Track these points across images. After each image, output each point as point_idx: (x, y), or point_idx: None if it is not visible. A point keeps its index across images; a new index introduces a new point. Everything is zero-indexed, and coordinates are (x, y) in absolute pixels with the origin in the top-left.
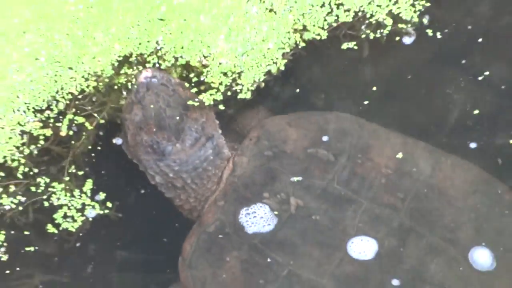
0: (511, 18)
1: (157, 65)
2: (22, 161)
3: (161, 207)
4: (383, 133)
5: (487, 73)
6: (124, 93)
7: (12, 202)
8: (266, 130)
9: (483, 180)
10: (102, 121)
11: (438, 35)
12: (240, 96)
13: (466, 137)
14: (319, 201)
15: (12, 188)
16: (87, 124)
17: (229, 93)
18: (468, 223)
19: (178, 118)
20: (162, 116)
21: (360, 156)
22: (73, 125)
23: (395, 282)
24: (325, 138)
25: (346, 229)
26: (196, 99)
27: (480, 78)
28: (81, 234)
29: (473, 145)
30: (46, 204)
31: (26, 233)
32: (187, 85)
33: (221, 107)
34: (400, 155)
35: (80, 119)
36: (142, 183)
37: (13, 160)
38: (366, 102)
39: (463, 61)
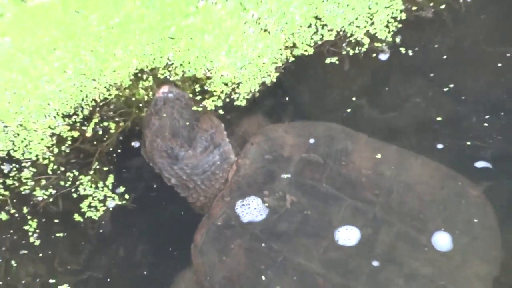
0: (471, 41)
1: (168, 77)
2: (52, 159)
3: (170, 199)
4: (363, 139)
5: (451, 85)
6: (140, 104)
7: (44, 194)
8: (266, 137)
9: (449, 177)
10: (122, 126)
11: (410, 53)
12: (236, 103)
13: (434, 139)
14: (310, 198)
15: (43, 182)
16: (111, 128)
17: (227, 100)
18: (434, 214)
19: (190, 127)
20: (176, 126)
21: (344, 159)
22: (99, 127)
23: (375, 263)
24: (315, 144)
25: (332, 221)
26: (201, 105)
27: (445, 89)
28: (103, 222)
29: (439, 146)
30: (74, 195)
31: (56, 221)
32: (191, 95)
33: (221, 111)
34: (377, 157)
35: (105, 123)
36: (154, 179)
37: (44, 158)
38: (348, 110)
39: (431, 75)
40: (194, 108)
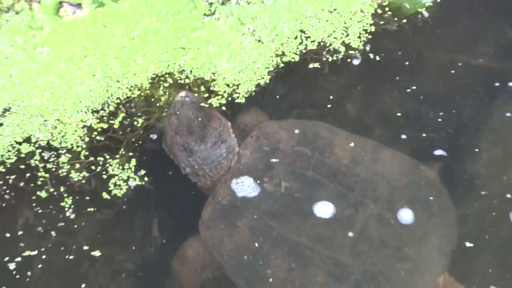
0: (429, 50)
1: (179, 81)
2: (84, 146)
3: (181, 182)
4: (343, 134)
5: (413, 87)
6: (158, 104)
7: (78, 175)
8: (264, 131)
9: (412, 165)
10: (141, 122)
11: (378, 58)
12: (236, 101)
13: (398, 132)
14: (299, 183)
15: (77, 166)
16: (137, 122)
17: (229, 98)
18: (400, 196)
19: (202, 126)
20: (191, 125)
21: (328, 151)
22: (126, 121)
23: (354, 237)
24: (305, 139)
25: (317, 203)
26: (207, 102)
27: (408, 90)
28: (125, 200)
29: (403, 136)
30: (104, 176)
31: (87, 198)
32: (201, 95)
33: (224, 108)
34: (354, 150)
35: (131, 118)
36: (169, 165)
37: (77, 146)
38: (328, 106)
39: (397, 78)
40: (202, 104)
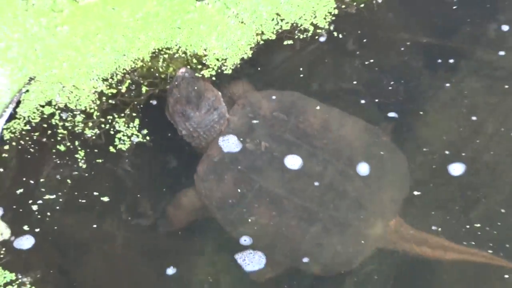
0: (383, 30)
1: (175, 56)
2: (96, 108)
3: (178, 142)
4: (314, 103)
5: (371, 60)
6: (157, 74)
7: (91, 132)
8: (248, 101)
9: (370, 129)
10: (145, 89)
11: (340, 36)
12: (225, 72)
13: (358, 99)
14: (277, 144)
15: (90, 124)
16: (142, 90)
17: (218, 70)
18: (360, 155)
19: (198, 96)
20: (189, 95)
21: (301, 117)
22: (132, 87)
23: (316, 183)
24: (282, 106)
25: (292, 160)
26: (200, 73)
27: (366, 63)
28: (127, 154)
29: (362, 101)
30: (111, 132)
31: (95, 151)
32: (198, 74)
33: (214, 78)
34: (324, 117)
35: (135, 85)
36: (168, 127)
37: (90, 108)
38: (301, 76)
39: (357, 52)
40: (196, 74)
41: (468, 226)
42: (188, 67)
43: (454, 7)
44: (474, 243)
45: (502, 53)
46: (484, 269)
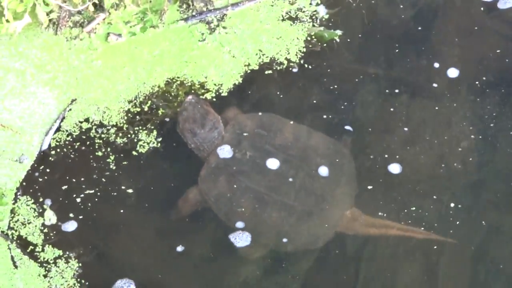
0: (341, 63)
1: (184, 82)
2: (124, 122)
3: (186, 151)
4: (289, 123)
5: (335, 86)
6: (170, 97)
7: (120, 140)
8: (237, 121)
9: (331, 142)
10: (161, 109)
11: (309, 67)
12: (222, 94)
13: (322, 114)
14: (259, 153)
15: (120, 134)
16: (160, 110)
17: (216, 93)
18: (323, 161)
19: (203, 118)
20: (196, 117)
21: (278, 133)
22: (152, 107)
23: (290, 183)
24: (263, 125)
25: (269, 165)
26: (203, 96)
27: (331, 88)
28: (147, 157)
29: (324, 116)
30: (135, 140)
31: (122, 155)
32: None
33: (214, 99)
34: (296, 132)
35: (154, 105)
36: (178, 139)
37: (120, 123)
38: (279, 98)
39: (324, 80)
40: (201, 97)
41: (406, 210)
42: (194, 94)
43: (397, 45)
44: (410, 221)
45: (435, 85)
46: (421, 242)
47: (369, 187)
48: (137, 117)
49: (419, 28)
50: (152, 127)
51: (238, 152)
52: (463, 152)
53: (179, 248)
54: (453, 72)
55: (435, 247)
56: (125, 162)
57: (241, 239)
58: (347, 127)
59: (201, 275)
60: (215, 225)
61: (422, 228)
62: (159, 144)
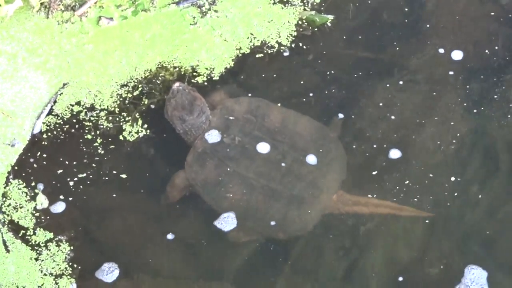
0: (333, 47)
1: (176, 66)
2: (116, 106)
3: (174, 136)
4: (277, 107)
5: (328, 73)
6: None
7: (108, 124)
8: (225, 105)
9: (319, 127)
10: (151, 93)
11: (300, 51)
12: (213, 78)
13: (312, 100)
14: (247, 138)
15: (110, 118)
16: (149, 96)
17: (208, 77)
18: (311, 147)
19: (190, 104)
20: (184, 103)
21: (266, 118)
22: (144, 91)
23: (277, 168)
24: (251, 110)
25: (259, 150)
26: (194, 80)
27: (322, 71)
28: (135, 142)
29: (315, 102)
30: (124, 126)
31: (109, 139)
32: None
33: (205, 83)
34: (284, 117)
35: (146, 90)
36: (165, 124)
37: (111, 107)
38: (269, 82)
39: (315, 63)
40: (187, 85)
41: (401, 192)
42: (181, 80)
43: (388, 29)
44: (395, 199)
45: (427, 68)
46: (407, 219)
47: (357, 170)
48: (128, 101)
49: (411, 12)
50: (143, 109)
51: (227, 137)
52: (457, 133)
53: (169, 234)
54: (445, 55)
55: (427, 221)
56: (112, 146)
57: (227, 222)
58: (338, 112)
59: (191, 260)
60: (202, 210)
61: (412, 206)
62: (148, 131)
